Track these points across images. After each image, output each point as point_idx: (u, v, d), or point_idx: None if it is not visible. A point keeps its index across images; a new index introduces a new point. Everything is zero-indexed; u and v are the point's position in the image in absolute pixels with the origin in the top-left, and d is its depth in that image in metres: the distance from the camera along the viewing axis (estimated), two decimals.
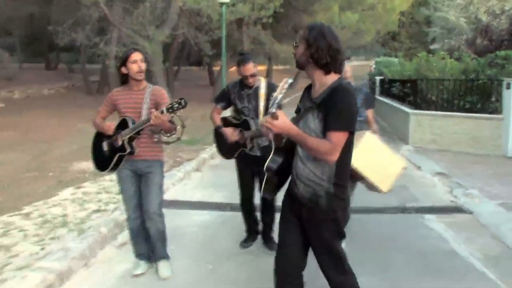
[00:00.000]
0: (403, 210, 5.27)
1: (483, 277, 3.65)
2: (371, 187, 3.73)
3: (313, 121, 2.26)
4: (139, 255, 3.81)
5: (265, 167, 2.45)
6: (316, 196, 2.30)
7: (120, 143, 3.42)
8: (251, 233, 4.42)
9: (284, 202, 2.55)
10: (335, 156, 2.19)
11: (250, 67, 3.87)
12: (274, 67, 30.21)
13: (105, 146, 3.54)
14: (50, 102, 17.43)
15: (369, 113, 4.38)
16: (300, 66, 2.38)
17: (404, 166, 3.80)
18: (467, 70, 9.95)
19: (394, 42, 36.86)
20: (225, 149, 4.12)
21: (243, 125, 3.96)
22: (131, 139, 3.38)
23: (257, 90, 3.92)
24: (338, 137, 2.16)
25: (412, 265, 3.85)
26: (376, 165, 3.65)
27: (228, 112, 4.33)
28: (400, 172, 3.79)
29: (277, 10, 15.28)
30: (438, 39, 24.41)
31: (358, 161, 3.48)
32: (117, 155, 3.43)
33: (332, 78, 2.30)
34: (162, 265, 3.72)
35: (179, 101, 2.94)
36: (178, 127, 3.36)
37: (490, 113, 9.22)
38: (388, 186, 3.69)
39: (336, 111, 2.19)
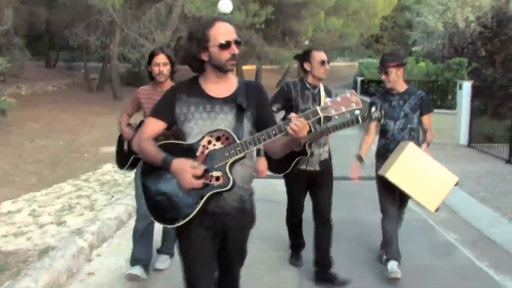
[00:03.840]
0: (371, 178, 6.96)
1: (420, 218, 5.32)
2: (418, 203, 3.48)
3: (246, 122, 2.13)
4: (136, 260, 3.54)
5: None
6: (242, 202, 2.19)
7: None
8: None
9: (194, 230, 2.13)
10: None
11: (322, 55, 3.48)
12: (263, 67, 31.93)
13: (125, 145, 3.61)
14: (55, 98, 18.32)
15: (428, 118, 3.79)
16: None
17: (457, 182, 3.40)
18: (429, 73, 11.81)
19: (378, 44, 38.69)
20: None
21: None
22: None
23: (319, 91, 3.52)
24: None
25: (375, 213, 4.21)
26: (421, 182, 3.30)
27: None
28: (452, 188, 3.40)
29: (269, 16, 16.95)
30: (418, 42, 26.26)
31: (399, 177, 3.25)
32: (132, 157, 3.45)
33: (230, 75, 2.22)
34: (164, 258, 3.77)
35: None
36: None
37: (447, 109, 11.08)
38: (436, 205, 3.36)
39: (268, 105, 2.27)
